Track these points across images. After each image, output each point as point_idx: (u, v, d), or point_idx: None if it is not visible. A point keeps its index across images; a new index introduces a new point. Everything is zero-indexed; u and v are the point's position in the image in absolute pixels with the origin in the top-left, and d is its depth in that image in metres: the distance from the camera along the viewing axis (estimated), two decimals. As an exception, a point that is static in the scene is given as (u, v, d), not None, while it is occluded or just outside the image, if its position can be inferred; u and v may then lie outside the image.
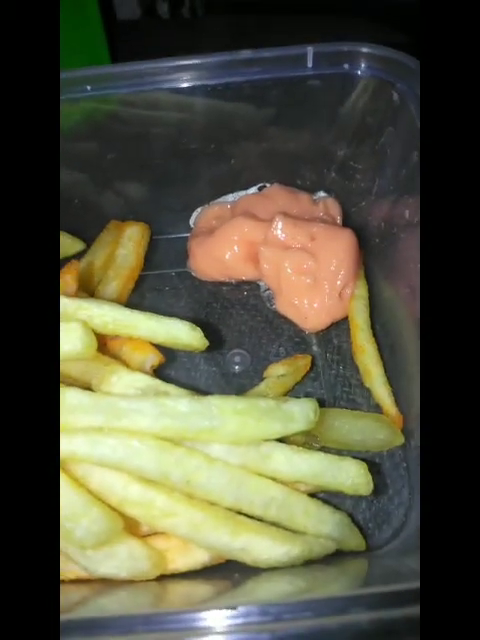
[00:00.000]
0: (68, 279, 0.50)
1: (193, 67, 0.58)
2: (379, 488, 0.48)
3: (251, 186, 0.66)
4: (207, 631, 0.32)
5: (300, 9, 1.17)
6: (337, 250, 0.55)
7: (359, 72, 0.53)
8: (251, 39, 1.12)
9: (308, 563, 0.43)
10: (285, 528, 0.43)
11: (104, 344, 0.48)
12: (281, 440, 0.45)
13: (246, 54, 0.54)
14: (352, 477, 0.44)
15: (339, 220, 0.62)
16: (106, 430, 0.39)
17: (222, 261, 0.59)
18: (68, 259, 0.61)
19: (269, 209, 0.60)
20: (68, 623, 0.31)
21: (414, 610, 0.31)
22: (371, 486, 0.44)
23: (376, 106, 0.55)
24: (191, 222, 0.66)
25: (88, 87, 0.60)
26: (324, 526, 0.45)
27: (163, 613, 0.33)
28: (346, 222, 0.62)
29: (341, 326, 0.58)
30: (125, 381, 0.45)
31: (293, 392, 0.55)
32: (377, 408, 0.54)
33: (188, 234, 0.66)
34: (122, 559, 0.38)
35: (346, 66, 0.54)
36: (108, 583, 0.40)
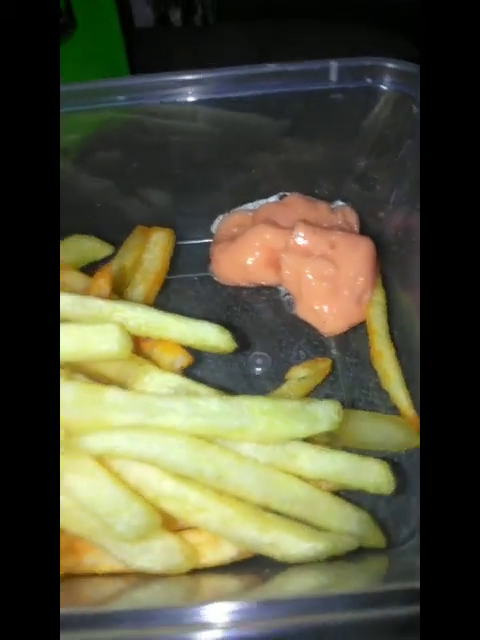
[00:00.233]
0: (102, 282, 0.51)
1: (218, 80, 0.59)
2: (398, 487, 0.50)
3: (270, 195, 0.68)
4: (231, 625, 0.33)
5: (310, 15, 1.19)
6: (357, 258, 0.57)
7: (382, 86, 0.55)
8: (262, 45, 1.15)
9: (331, 559, 0.44)
10: (310, 525, 0.45)
11: (136, 345, 0.49)
12: (306, 440, 0.47)
13: (271, 68, 0.56)
14: (374, 476, 0.46)
15: (356, 228, 0.64)
16: (144, 428, 0.40)
17: (244, 266, 0.61)
18: (97, 263, 0.63)
19: (289, 217, 0.62)
20: (68, 617, 0.32)
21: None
22: (393, 485, 0.46)
23: (396, 119, 0.57)
24: (213, 229, 0.68)
25: (119, 97, 0.62)
26: (347, 523, 0.46)
27: (195, 604, 0.35)
28: (363, 231, 0.64)
29: (359, 331, 0.60)
30: (157, 381, 0.47)
31: (313, 394, 0.56)
32: (394, 410, 0.55)
33: (209, 240, 0.69)
34: (157, 553, 0.40)
35: (369, 80, 0.56)
36: (142, 576, 0.42)
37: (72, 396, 0.40)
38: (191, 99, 0.62)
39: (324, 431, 0.46)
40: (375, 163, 0.62)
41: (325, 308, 0.58)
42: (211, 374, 0.59)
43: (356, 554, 0.46)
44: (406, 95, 0.54)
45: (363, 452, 0.50)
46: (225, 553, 0.44)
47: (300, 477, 0.45)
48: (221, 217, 0.68)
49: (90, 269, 0.61)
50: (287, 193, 0.65)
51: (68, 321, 0.46)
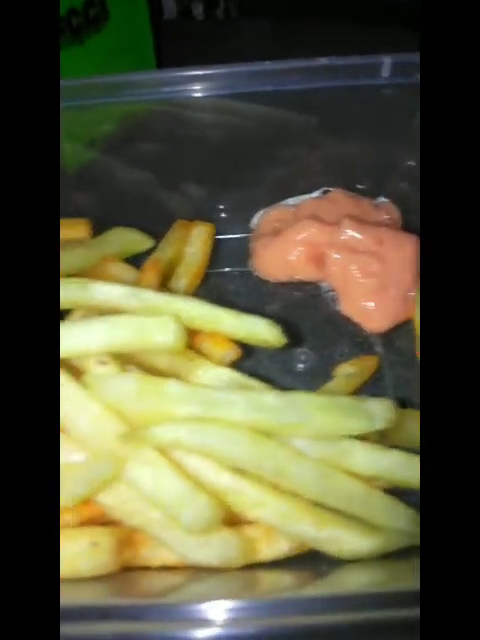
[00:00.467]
0: (150, 275, 0.51)
1: (265, 73, 0.59)
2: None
3: (309, 191, 0.68)
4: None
5: (337, 14, 1.19)
6: (404, 255, 0.57)
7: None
8: (286, 40, 1.15)
9: (383, 557, 0.44)
10: (363, 522, 0.45)
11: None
12: (357, 437, 0.46)
13: (322, 62, 0.56)
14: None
15: (400, 226, 0.63)
16: (204, 420, 0.40)
17: (287, 261, 0.61)
18: (139, 256, 0.63)
19: (334, 213, 0.61)
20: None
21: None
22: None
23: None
24: (252, 224, 0.68)
25: (162, 89, 0.62)
26: (399, 521, 0.46)
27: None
28: (405, 228, 0.64)
29: (403, 329, 0.60)
30: (210, 375, 0.47)
31: (358, 392, 0.56)
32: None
33: (247, 235, 0.68)
34: (216, 546, 0.40)
35: (419, 76, 0.55)
36: (196, 570, 0.41)
37: (134, 387, 0.40)
38: (233, 92, 0.61)
39: (378, 429, 0.46)
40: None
41: (371, 305, 0.57)
42: (254, 369, 0.58)
43: (408, 552, 0.46)
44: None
45: (411, 451, 0.50)
46: (278, 548, 0.44)
47: (353, 474, 0.45)
48: (261, 212, 0.67)
49: (131, 262, 0.60)
50: (330, 188, 0.65)
51: (122, 312, 0.46)
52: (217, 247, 0.68)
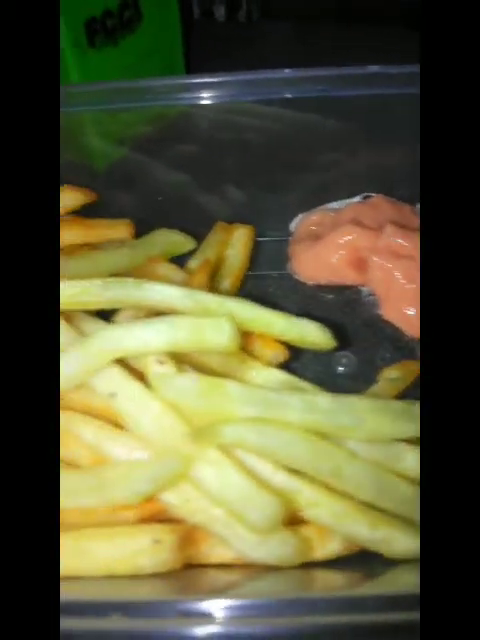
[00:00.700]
0: (201, 277, 0.52)
1: (313, 79, 0.60)
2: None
3: (350, 197, 0.68)
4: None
5: (347, 17, 1.20)
6: (446, 261, 0.58)
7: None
8: (308, 45, 1.16)
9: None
10: (412, 523, 0.46)
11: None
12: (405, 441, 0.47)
13: (373, 69, 0.57)
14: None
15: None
16: (264, 420, 0.41)
17: (328, 265, 0.62)
18: (182, 257, 0.63)
19: (374, 218, 0.62)
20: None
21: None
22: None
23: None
24: (291, 227, 0.69)
25: (203, 94, 0.62)
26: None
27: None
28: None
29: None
30: (262, 376, 0.48)
31: (401, 397, 0.56)
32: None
33: (285, 238, 0.69)
34: (274, 545, 0.40)
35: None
36: (252, 568, 0.42)
37: (196, 387, 0.41)
38: (274, 97, 0.62)
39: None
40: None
41: (413, 311, 0.58)
42: (296, 372, 0.59)
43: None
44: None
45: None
46: (331, 548, 0.44)
47: (404, 476, 0.46)
48: (301, 216, 0.68)
49: (177, 263, 0.61)
50: (371, 194, 0.66)
51: (174, 313, 0.47)
52: (256, 250, 0.69)
